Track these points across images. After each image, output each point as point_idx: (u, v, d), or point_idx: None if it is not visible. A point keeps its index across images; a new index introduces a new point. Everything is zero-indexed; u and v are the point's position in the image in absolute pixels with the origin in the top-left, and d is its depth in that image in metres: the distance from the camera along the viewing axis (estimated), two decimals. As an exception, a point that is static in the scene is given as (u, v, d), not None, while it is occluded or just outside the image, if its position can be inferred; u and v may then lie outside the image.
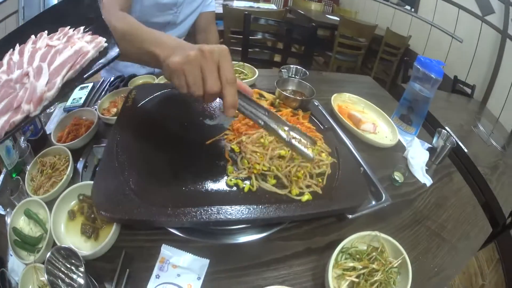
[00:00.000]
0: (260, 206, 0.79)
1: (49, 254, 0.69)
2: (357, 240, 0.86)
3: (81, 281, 0.69)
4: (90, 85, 1.57)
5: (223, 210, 0.76)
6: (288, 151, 0.87)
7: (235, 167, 0.89)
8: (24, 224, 0.93)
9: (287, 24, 2.67)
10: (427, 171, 1.25)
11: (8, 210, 0.99)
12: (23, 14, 3.51)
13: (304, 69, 1.57)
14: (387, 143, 1.31)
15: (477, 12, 3.57)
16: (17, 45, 0.81)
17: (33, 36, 0.82)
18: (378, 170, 1.13)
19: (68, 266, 0.72)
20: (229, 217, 0.76)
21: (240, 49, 2.68)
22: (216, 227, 0.85)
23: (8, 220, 0.94)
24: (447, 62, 3.61)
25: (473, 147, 2.17)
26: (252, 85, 1.59)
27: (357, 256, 0.84)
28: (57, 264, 0.71)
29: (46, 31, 0.83)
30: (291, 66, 1.58)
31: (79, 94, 1.49)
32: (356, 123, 1.38)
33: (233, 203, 0.79)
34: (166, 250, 0.83)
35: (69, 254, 0.72)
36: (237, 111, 0.80)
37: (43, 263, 0.73)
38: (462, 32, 3.78)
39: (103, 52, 0.74)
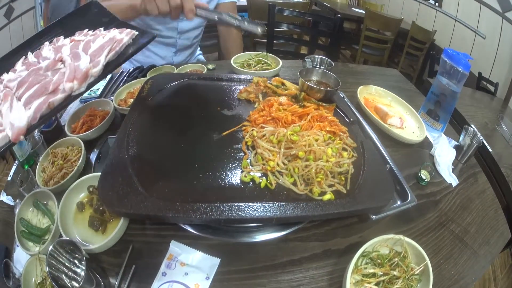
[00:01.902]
0: (276, 204, 0.70)
1: (51, 247, 0.66)
2: (379, 243, 0.77)
3: (82, 274, 0.65)
4: (108, 76, 1.51)
5: (236, 207, 0.68)
6: (305, 152, 0.78)
7: (250, 162, 0.81)
8: (32, 215, 0.90)
9: (311, 15, 2.55)
10: (453, 170, 1.12)
11: (17, 201, 0.95)
12: (41, 10, 3.48)
13: (329, 60, 1.44)
14: (414, 139, 1.19)
15: (497, 8, 3.35)
16: (29, 52, 0.84)
17: (47, 43, 0.86)
18: (404, 168, 1.03)
19: (71, 259, 0.69)
20: (242, 215, 0.67)
21: (265, 41, 2.55)
22: (229, 225, 0.78)
23: (16, 210, 0.91)
24: (471, 58, 3.42)
25: (497, 147, 2.01)
26: (276, 76, 1.49)
27: (378, 260, 0.75)
28: (59, 258, 0.68)
29: (62, 36, 0.88)
30: (316, 56, 1.46)
31: (96, 85, 1.43)
32: (383, 117, 1.26)
33: (248, 199, 0.71)
34: (175, 247, 0.78)
35: (72, 247, 0.69)
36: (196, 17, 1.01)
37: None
38: (484, 28, 3.54)
39: (135, 40, 0.84)
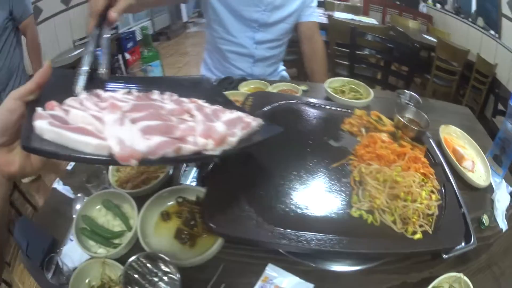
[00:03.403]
0: (381, 240, 0.74)
1: (133, 257, 0.63)
2: (444, 279, 0.83)
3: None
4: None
5: (347, 241, 0.70)
6: (404, 192, 0.82)
7: (358, 197, 0.84)
8: (99, 214, 0.82)
9: (392, 42, 2.47)
10: (505, 215, 1.12)
11: (79, 195, 0.88)
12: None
13: (418, 97, 1.42)
14: (481, 183, 1.19)
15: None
16: (133, 90, 0.73)
17: (157, 91, 0.74)
18: (470, 211, 1.03)
19: (154, 271, 0.65)
20: (353, 247, 0.70)
21: (346, 63, 2.45)
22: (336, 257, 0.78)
23: (77, 205, 0.85)
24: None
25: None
26: (367, 107, 1.43)
27: (441, 295, 0.81)
28: (140, 269, 0.64)
29: (176, 95, 0.75)
30: (406, 92, 1.44)
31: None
32: (459, 159, 1.25)
33: (358, 235, 0.73)
34: (271, 270, 0.75)
35: (155, 257, 0.65)
36: None
37: (115, 259, 0.70)
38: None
39: (260, 129, 0.71)
